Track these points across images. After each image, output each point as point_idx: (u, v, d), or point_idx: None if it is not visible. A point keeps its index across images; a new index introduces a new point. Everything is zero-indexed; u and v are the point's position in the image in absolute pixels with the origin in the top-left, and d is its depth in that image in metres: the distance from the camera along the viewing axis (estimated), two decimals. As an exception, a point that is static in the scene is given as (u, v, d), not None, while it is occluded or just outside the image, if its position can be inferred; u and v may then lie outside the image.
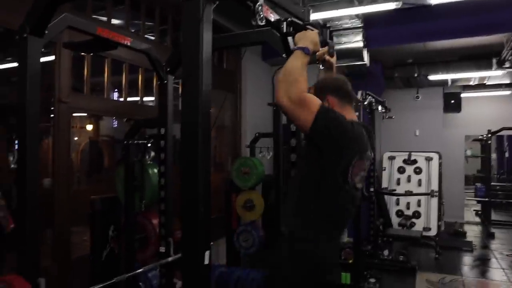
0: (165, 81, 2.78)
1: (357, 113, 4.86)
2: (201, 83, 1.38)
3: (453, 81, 7.73)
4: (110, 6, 3.78)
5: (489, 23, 5.09)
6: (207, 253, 1.39)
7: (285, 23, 2.12)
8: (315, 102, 1.61)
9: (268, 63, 6.62)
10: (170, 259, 2.76)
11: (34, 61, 1.86)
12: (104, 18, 3.76)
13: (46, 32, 1.89)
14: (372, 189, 5.46)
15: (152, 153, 3.17)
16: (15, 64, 1.97)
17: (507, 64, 6.15)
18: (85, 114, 5.35)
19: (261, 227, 4.84)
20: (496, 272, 5.69)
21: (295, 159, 2.44)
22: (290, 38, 2.23)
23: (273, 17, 2.03)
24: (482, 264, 6.08)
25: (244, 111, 6.05)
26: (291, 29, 2.18)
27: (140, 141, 3.15)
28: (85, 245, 3.32)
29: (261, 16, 1.58)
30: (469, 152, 12.07)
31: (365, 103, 4.92)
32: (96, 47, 2.31)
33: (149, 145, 3.19)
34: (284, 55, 2.38)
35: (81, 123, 5.75)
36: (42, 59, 1.94)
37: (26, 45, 1.86)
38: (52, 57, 3.15)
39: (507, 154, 15.26)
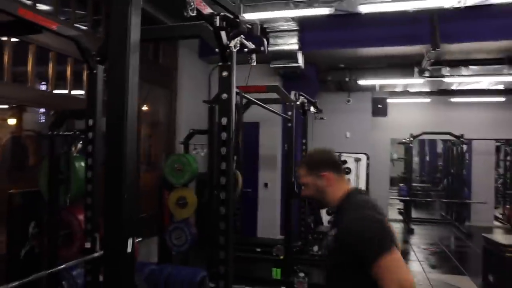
0: (95, 71, 2.69)
1: (289, 113, 5.02)
2: (127, 70, 1.37)
3: (381, 87, 8.22)
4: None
5: (410, 35, 5.50)
6: (130, 240, 1.38)
7: (218, 17, 2.16)
8: None
9: (205, 60, 6.61)
10: (96, 254, 2.66)
11: None
12: (29, 2, 3.55)
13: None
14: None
15: (79, 146, 3.04)
16: None
17: (426, 73, 6.67)
18: (7, 106, 4.99)
19: (194, 225, 4.81)
20: (414, 264, 6.15)
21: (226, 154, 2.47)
22: (223, 33, 2.27)
23: (206, 11, 2.05)
24: (402, 257, 6.52)
25: (179, 107, 5.99)
26: (224, 23, 2.22)
27: (66, 133, 3.00)
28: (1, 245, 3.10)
29: (192, 7, 1.60)
30: (395, 156, 12.91)
31: (298, 103, 5.08)
32: (18, 29, 2.18)
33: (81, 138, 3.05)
34: (216, 49, 2.41)
35: (2, 115, 5.34)
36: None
37: None
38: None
39: (427, 158, 16.53)
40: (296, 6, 4.83)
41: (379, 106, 8.54)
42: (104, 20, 4.56)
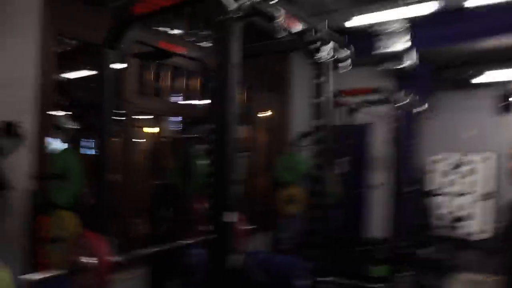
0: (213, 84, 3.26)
1: (395, 113, 5.07)
2: (229, 85, 1.81)
3: (506, 82, 7.53)
4: (172, 19, 4.36)
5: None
6: (231, 213, 1.83)
7: (307, 33, 2.51)
8: None
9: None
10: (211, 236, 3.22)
11: (109, 69, 2.42)
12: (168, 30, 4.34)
13: (120, 45, 2.45)
14: (414, 188, 5.60)
15: (202, 147, 3.67)
16: (92, 72, 2.56)
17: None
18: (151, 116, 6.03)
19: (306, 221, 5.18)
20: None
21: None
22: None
23: (296, 28, 2.42)
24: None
25: (292, 111, 6.42)
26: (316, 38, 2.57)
27: (193, 135, 3.67)
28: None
29: (280, 30, 1.99)
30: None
31: (404, 103, 5.10)
32: (157, 56, 2.85)
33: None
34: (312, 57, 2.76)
35: (146, 124, 6.45)
36: (118, 67, 2.50)
37: (103, 56, 2.42)
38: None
39: None
40: (405, 5, 4.87)
41: (504, 103, 7.81)
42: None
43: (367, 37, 5.72)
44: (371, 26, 5.64)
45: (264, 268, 4.38)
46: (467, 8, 4.98)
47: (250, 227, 3.66)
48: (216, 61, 1.82)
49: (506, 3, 4.61)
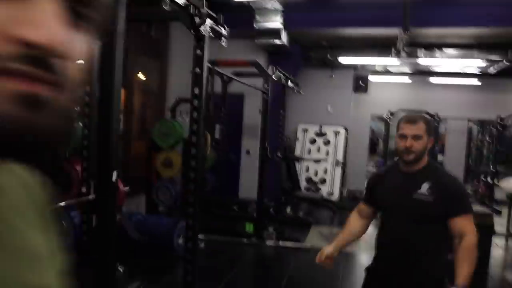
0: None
1: (266, 86, 5.55)
2: (115, 51, 1.90)
3: (363, 65, 8.71)
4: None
5: (384, 18, 5.97)
6: (114, 172, 1.96)
7: (191, 6, 2.67)
8: None
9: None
10: (90, 197, 3.25)
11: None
12: None
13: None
14: (280, 154, 6.24)
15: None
16: None
17: (402, 54, 7.16)
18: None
19: (178, 183, 5.42)
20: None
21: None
22: (196, 18, 2.79)
23: (182, 1, 2.56)
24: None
25: (170, 77, 6.48)
26: (197, 11, 2.73)
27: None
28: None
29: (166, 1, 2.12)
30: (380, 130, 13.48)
31: (274, 77, 5.59)
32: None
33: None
34: (191, 31, 2.93)
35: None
36: None
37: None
38: None
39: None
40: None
41: (361, 83, 9.04)
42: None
43: (246, 11, 6.04)
44: (249, 2, 5.96)
45: (140, 229, 4.53)
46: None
47: (126, 189, 3.75)
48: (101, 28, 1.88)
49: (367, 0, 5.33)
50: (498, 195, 9.04)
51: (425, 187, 1.95)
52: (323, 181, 8.58)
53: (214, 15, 2.69)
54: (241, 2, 5.83)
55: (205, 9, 2.60)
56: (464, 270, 1.87)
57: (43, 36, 0.33)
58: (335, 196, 8.47)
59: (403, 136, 1.97)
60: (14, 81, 0.33)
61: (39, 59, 0.33)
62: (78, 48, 0.37)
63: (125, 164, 5.68)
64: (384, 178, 2.17)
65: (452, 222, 1.94)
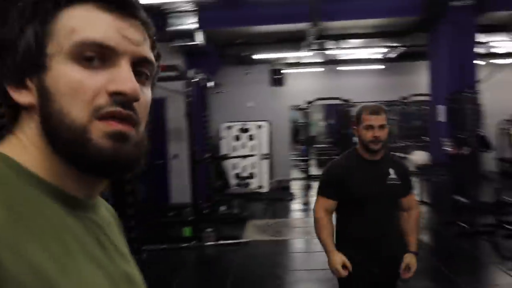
0: None
1: (188, 89, 5.54)
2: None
3: (277, 59, 9.02)
4: None
5: (293, 14, 6.26)
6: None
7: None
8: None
9: None
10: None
11: None
12: None
13: None
14: (207, 156, 6.28)
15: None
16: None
17: (313, 47, 7.56)
18: None
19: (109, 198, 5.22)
20: (310, 213, 7.22)
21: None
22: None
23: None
24: (300, 208, 7.60)
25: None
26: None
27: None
28: None
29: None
30: (300, 120, 14.05)
31: (195, 79, 5.61)
32: None
33: None
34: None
35: None
36: None
37: None
38: None
39: (330, 121, 18.06)
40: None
41: (276, 76, 9.37)
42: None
43: (160, 14, 5.95)
44: (163, 4, 5.88)
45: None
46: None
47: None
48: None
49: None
50: (408, 167, 9.96)
51: (392, 172, 2.15)
52: (252, 175, 8.79)
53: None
54: (151, 5, 5.72)
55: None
56: (414, 239, 2.22)
57: (127, 88, 0.52)
58: (265, 188, 8.73)
59: (370, 127, 2.06)
60: (111, 123, 0.52)
61: (126, 102, 0.52)
62: (145, 95, 0.57)
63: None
64: (350, 170, 2.17)
65: (404, 199, 2.23)
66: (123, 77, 0.52)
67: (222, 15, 6.39)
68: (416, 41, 7.49)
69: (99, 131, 0.51)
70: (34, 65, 0.52)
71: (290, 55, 8.37)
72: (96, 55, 0.52)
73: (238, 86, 9.00)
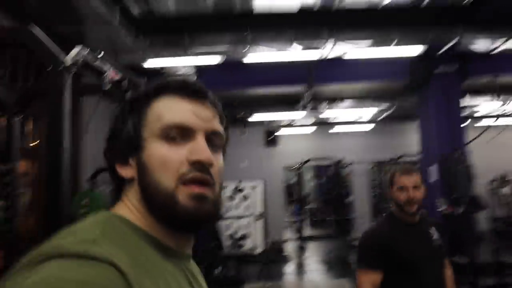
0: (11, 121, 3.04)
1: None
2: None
3: (271, 121, 9.27)
4: None
5: (289, 78, 6.56)
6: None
7: (125, 81, 2.73)
8: None
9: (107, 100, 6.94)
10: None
11: None
12: None
13: None
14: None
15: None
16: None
17: (308, 109, 7.83)
18: None
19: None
20: (305, 275, 7.05)
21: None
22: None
23: (116, 76, 2.62)
24: (296, 270, 7.42)
25: (84, 146, 6.22)
26: (131, 87, 2.80)
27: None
28: None
29: (108, 82, 2.16)
30: (294, 180, 14.13)
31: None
32: None
33: None
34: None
35: None
36: None
37: None
38: None
39: (322, 181, 18.15)
40: (193, 54, 5.55)
41: (271, 137, 9.57)
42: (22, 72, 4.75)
43: (158, 76, 6.18)
44: (163, 68, 6.13)
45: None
46: (245, 63, 6.03)
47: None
48: (49, 108, 1.86)
49: (274, 63, 5.84)
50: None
51: (434, 233, 2.09)
52: (246, 236, 8.65)
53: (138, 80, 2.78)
54: (154, 69, 5.96)
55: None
56: None
57: (203, 157, 0.66)
58: (259, 249, 8.55)
59: (404, 188, 1.99)
60: (192, 187, 0.65)
61: (204, 168, 0.66)
62: (217, 160, 0.71)
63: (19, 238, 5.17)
64: (395, 235, 2.03)
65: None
66: (199, 149, 0.66)
67: (221, 78, 6.65)
68: (405, 103, 7.84)
69: (183, 194, 0.64)
70: (134, 147, 0.67)
71: (284, 117, 8.62)
72: (178, 134, 0.66)
73: (233, 147, 9.08)
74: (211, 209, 0.66)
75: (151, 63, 5.41)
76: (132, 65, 5.46)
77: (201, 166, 0.65)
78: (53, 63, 1.77)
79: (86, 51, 1.93)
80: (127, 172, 0.69)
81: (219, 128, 0.73)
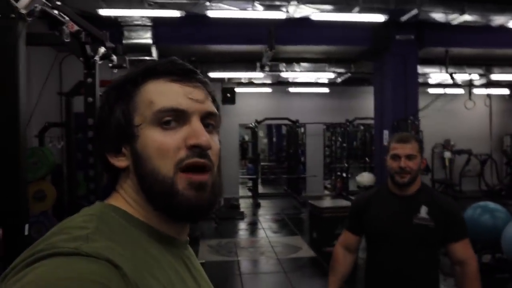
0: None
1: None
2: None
3: (229, 78, 9.10)
4: None
5: (251, 36, 6.39)
6: (26, 226, 1.75)
7: (84, 33, 2.51)
8: None
9: (56, 49, 6.44)
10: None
11: None
12: None
13: None
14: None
15: None
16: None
17: (266, 68, 7.74)
18: None
19: (53, 216, 4.89)
20: (260, 231, 7.25)
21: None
22: (87, 46, 2.64)
23: (74, 28, 2.40)
24: (250, 227, 7.61)
25: (31, 99, 5.80)
26: (89, 39, 2.58)
27: None
28: None
29: (67, 34, 1.97)
30: (247, 138, 14.21)
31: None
32: None
33: None
34: (81, 58, 2.75)
35: None
36: None
37: None
38: None
39: (275, 140, 18.47)
40: (150, 6, 5.21)
41: (228, 95, 9.43)
42: None
43: (114, 26, 5.79)
44: (119, 17, 5.74)
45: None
46: (206, 18, 5.75)
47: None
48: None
49: (235, 20, 5.63)
50: (352, 187, 10.44)
51: (424, 211, 1.82)
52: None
53: (107, 43, 2.58)
54: (109, 17, 5.56)
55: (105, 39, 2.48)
56: None
57: (202, 140, 0.63)
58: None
59: (396, 156, 1.82)
60: (192, 175, 0.63)
61: (202, 152, 0.63)
62: (214, 142, 0.67)
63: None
64: (372, 203, 1.95)
65: (452, 247, 1.83)
66: (197, 133, 0.63)
67: (179, 32, 6.35)
68: (362, 68, 7.95)
69: (183, 183, 0.62)
70: (126, 135, 0.64)
71: (244, 75, 8.48)
72: (172, 118, 0.63)
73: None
74: (211, 197, 0.65)
75: (106, 12, 5.03)
76: (84, 14, 5.05)
77: (200, 150, 0.63)
78: (3, 10, 1.56)
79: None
80: (120, 162, 0.66)
81: (213, 109, 0.69)
